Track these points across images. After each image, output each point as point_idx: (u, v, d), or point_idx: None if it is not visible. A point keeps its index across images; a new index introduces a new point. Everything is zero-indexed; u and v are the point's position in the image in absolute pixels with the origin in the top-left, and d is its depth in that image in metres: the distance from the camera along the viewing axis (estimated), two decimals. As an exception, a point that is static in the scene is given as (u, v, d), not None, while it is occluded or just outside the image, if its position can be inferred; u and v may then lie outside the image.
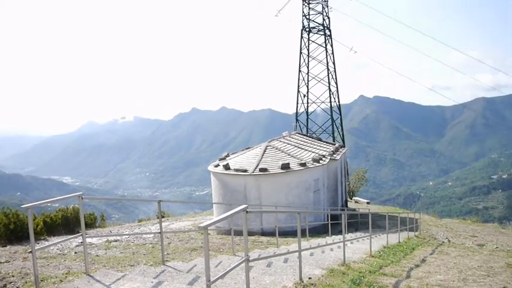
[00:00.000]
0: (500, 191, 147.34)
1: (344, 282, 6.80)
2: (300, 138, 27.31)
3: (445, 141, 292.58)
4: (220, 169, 19.94)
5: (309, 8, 44.53)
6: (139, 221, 26.05)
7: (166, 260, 8.56)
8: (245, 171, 18.86)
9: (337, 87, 44.38)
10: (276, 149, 21.61)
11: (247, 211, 4.76)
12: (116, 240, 13.69)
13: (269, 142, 23.07)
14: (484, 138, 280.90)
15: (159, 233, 7.81)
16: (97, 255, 10.08)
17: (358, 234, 17.75)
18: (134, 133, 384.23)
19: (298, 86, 44.66)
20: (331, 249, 11.21)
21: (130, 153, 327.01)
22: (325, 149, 24.49)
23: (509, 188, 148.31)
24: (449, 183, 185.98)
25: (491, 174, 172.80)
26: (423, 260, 10.61)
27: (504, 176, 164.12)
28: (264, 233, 17.90)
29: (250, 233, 17.92)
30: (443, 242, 18.11)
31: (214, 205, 20.79)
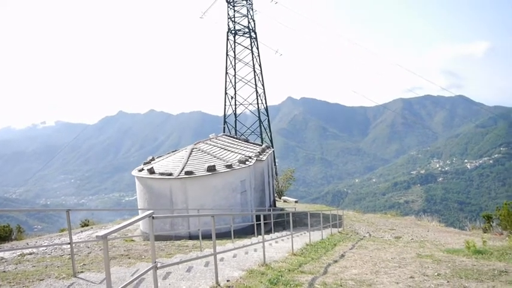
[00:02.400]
0: (419, 185, 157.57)
1: (262, 282, 6.84)
2: (227, 140, 27.33)
3: (368, 140, 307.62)
4: (144, 173, 19.41)
5: (234, 11, 44.78)
6: (61, 230, 24.68)
7: (81, 272, 8.12)
8: (170, 174, 18.50)
9: (264, 89, 45.03)
10: (202, 151, 21.43)
11: (153, 217, 4.61)
12: (31, 253, 12.83)
13: (195, 144, 22.84)
14: (403, 136, 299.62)
15: (69, 243, 7.38)
16: (4, 271, 9.35)
17: (284, 233, 18.06)
18: (56, 138, 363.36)
19: (226, 88, 44.76)
20: (255, 250, 11.28)
21: (53, 159, 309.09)
22: (251, 150, 24.69)
23: (426, 183, 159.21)
24: (374, 180, 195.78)
25: (411, 170, 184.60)
26: (342, 256, 10.99)
27: (422, 172, 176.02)
28: (191, 237, 17.68)
29: (178, 237, 17.62)
30: (364, 236, 18.93)
31: (139, 211, 20.18)
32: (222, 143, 25.60)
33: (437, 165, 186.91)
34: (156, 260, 4.80)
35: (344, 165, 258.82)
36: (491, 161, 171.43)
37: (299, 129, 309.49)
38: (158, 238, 17.15)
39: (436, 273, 8.08)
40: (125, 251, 12.43)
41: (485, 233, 21.20)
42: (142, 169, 20.36)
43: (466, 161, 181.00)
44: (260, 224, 18.18)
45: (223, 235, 17.08)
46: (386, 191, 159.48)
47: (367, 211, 47.38)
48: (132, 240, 16.34)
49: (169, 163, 20.45)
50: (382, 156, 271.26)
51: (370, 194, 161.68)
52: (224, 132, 39.25)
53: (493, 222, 22.35)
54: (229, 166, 19.24)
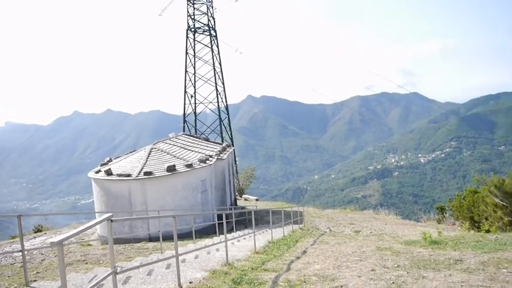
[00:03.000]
0: (375, 180, 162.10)
1: (225, 282, 6.76)
2: (187, 140, 27.00)
3: (327, 137, 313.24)
4: (102, 175, 18.83)
5: (194, 8, 44.31)
6: (12, 237, 23.57)
7: (34, 280, 7.75)
8: (129, 175, 18.05)
9: (224, 87, 44.84)
10: (162, 151, 21.05)
11: (112, 220, 4.44)
12: (-21, 263, 12.14)
13: (154, 144, 22.40)
14: (361, 133, 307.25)
15: (20, 251, 7.01)
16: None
17: (246, 231, 18.03)
18: (6, 140, 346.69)
19: (185, 86, 44.23)
20: (217, 250, 11.17)
21: (2, 162, 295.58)
22: (212, 149, 24.52)
23: (383, 177, 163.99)
24: (333, 176, 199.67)
25: (368, 166, 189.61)
26: (304, 252, 11.07)
27: (378, 167, 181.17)
28: (151, 239, 17.32)
29: (137, 240, 17.20)
30: (324, 231, 19.20)
31: (97, 214, 19.57)
32: (182, 142, 25.27)
33: (393, 160, 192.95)
34: (116, 265, 4.62)
35: (304, 162, 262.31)
36: (443, 155, 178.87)
37: (259, 127, 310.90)
38: (117, 241, 16.70)
39: (395, 265, 8.27)
40: (81, 256, 12.00)
41: (439, 223, 22.02)
42: (100, 171, 19.76)
43: (419, 155, 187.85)
44: (221, 223, 18.08)
45: (185, 235, 16.84)
46: (344, 187, 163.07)
47: (327, 207, 48.23)
48: (89, 245, 15.82)
49: (128, 164, 19.96)
50: (340, 152, 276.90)
51: (329, 190, 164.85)
52: (184, 131, 38.80)
53: (446, 213, 23.28)
54: (189, 165, 19.00)
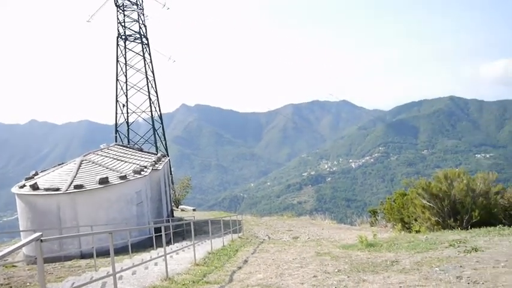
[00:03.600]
0: (310, 186, 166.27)
1: (166, 298, 6.47)
2: (120, 150, 26.03)
3: (262, 144, 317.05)
4: (27, 190, 17.57)
5: (124, 15, 43.03)
6: None
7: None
8: (57, 189, 17.00)
9: (157, 96, 43.88)
10: (93, 163, 20.08)
11: (41, 240, 4.05)
12: None
13: (85, 156, 21.32)
14: (295, 140, 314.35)
15: None
16: None
17: (184, 243, 17.61)
18: None
19: (117, 95, 42.73)
20: (156, 264, 10.75)
21: None
22: (146, 160, 23.81)
23: (317, 183, 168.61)
24: (269, 183, 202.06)
25: (302, 172, 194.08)
26: (245, 261, 10.96)
27: (312, 173, 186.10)
28: (83, 256, 16.37)
29: (68, 258, 16.18)
30: (264, 239, 19.22)
31: (22, 232, 18.19)
32: (115, 153, 24.31)
33: (326, 166, 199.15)
34: (47, 287, 4.23)
35: (240, 171, 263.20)
36: (372, 160, 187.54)
37: (194, 136, 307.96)
38: (45, 260, 15.58)
39: (336, 270, 8.39)
40: (5, 279, 11.04)
41: (372, 226, 22.88)
42: (24, 185, 18.43)
43: (350, 160, 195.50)
44: (158, 235, 17.51)
45: (120, 250, 16.11)
46: (280, 193, 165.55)
47: (264, 214, 48.50)
48: (14, 266, 14.64)
49: (56, 177, 18.80)
50: (275, 160, 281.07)
51: (266, 197, 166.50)
52: (116, 141, 37.34)
53: (378, 216, 24.23)
54: (123, 177, 18.27)
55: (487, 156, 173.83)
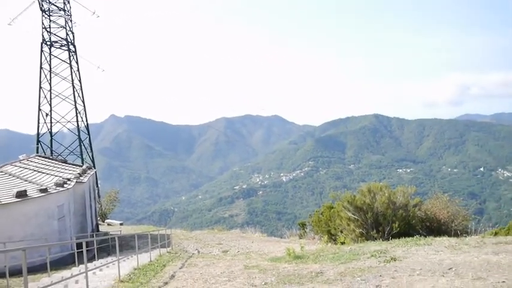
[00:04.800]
0: (241, 199, 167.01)
1: (85, 318, 6.14)
2: (42, 162, 24.57)
3: (194, 157, 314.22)
4: None
5: (50, 21, 41.00)
6: None
7: None
8: (-33, 204, 15.64)
9: (84, 105, 42.08)
10: (10, 174, 18.75)
11: None
12: None
13: (1, 167, 19.87)
14: (227, 153, 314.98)
15: None
16: None
17: (109, 259, 16.87)
18: None
19: (40, 104, 40.38)
20: (76, 282, 10.19)
21: None
22: (71, 172, 22.67)
23: (248, 196, 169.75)
24: (200, 197, 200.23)
25: (234, 185, 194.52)
26: (172, 276, 10.71)
27: (244, 186, 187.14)
28: (-4, 275, 15.12)
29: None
30: (193, 253, 18.94)
31: None
32: (36, 164, 22.90)
33: (258, 180, 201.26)
34: None
35: (170, 184, 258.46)
36: (302, 174, 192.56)
37: (123, 148, 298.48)
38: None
39: (263, 283, 8.45)
40: None
41: (301, 238, 23.38)
42: None
43: (282, 174, 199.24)
44: (81, 251, 16.64)
45: (39, 268, 15.07)
46: (212, 207, 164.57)
47: (195, 228, 47.94)
48: None
49: (-34, 190, 17.31)
50: (207, 173, 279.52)
51: (197, 211, 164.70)
52: (38, 152, 35.17)
53: (306, 228, 24.83)
54: (44, 190, 17.22)
55: (408, 171, 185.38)
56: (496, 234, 16.09)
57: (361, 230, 16.28)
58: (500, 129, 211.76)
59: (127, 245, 23.05)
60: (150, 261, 14.46)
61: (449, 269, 7.96)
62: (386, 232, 15.67)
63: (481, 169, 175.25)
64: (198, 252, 19.88)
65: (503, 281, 6.69)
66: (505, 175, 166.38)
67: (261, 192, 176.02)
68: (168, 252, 19.12)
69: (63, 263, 17.03)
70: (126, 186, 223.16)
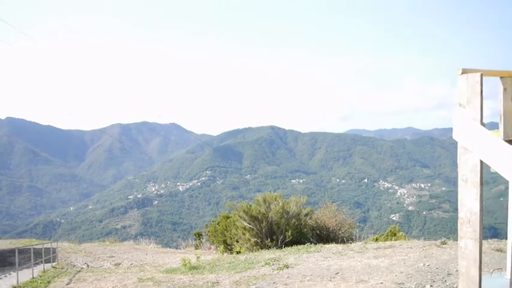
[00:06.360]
0: (136, 209, 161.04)
1: None
2: None
3: (85, 165, 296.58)
4: None
5: None
6: None
7: None
8: None
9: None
10: None
11: None
12: None
13: None
14: (121, 161, 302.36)
15: None
16: None
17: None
18: None
19: None
20: None
21: None
22: None
23: (143, 206, 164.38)
24: (90, 207, 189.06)
25: (128, 195, 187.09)
26: (58, 293, 10.02)
27: (139, 196, 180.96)
28: None
29: None
30: (82, 268, 17.83)
31: None
32: None
33: (153, 189, 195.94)
34: None
35: (57, 193, 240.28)
36: (199, 183, 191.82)
37: (3, 153, 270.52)
38: None
39: (158, 295, 8.27)
40: None
41: (197, 249, 23.25)
42: None
43: (178, 183, 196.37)
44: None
45: None
46: (103, 218, 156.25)
47: (84, 240, 45.17)
48: None
49: None
50: (99, 182, 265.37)
51: (87, 222, 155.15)
52: None
53: (203, 238, 24.78)
54: None
55: (301, 181, 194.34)
56: (376, 240, 17.56)
57: (256, 239, 16.69)
58: (382, 144, 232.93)
59: (4, 261, 20.93)
60: (33, 277, 13.36)
61: (336, 273, 8.53)
62: (280, 240, 16.26)
63: (365, 180, 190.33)
64: (88, 266, 18.78)
65: (382, 282, 7.36)
66: (385, 186, 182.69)
67: (156, 202, 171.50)
68: (53, 267, 17.79)
69: None
70: (5, 196, 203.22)
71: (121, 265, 18.11)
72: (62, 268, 17.66)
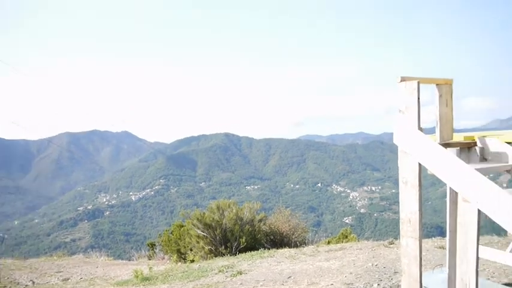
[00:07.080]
0: (86, 221, 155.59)
1: None
2: None
3: (30, 176, 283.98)
4: None
5: None
6: None
7: None
8: None
9: None
10: None
11: None
12: None
13: None
14: (70, 172, 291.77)
15: None
16: None
17: None
18: None
19: None
20: None
21: None
22: None
23: (94, 218, 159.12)
24: (37, 220, 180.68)
25: (78, 207, 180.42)
26: (1, 312, 9.52)
27: (89, 207, 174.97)
28: None
29: None
30: (26, 285, 17.02)
31: None
32: None
33: (105, 200, 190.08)
34: None
35: (0, 207, 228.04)
36: (152, 192, 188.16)
37: None
38: None
39: (108, 309, 8.04)
40: None
41: (150, 260, 22.75)
42: None
43: (131, 193, 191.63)
44: None
45: None
46: (51, 231, 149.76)
47: (30, 256, 42.89)
48: None
49: None
50: (46, 193, 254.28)
51: (33, 237, 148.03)
52: None
53: (156, 248, 24.31)
54: None
55: (255, 187, 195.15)
56: (328, 243, 17.89)
57: (210, 247, 16.59)
58: (334, 149, 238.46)
59: None
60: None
61: (288, 277, 8.64)
62: (234, 247, 16.24)
63: (319, 184, 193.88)
64: (33, 283, 17.91)
65: (332, 284, 7.54)
66: (338, 190, 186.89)
67: (108, 213, 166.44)
68: (-4, 285, 16.87)
69: None
70: None
71: (69, 280, 17.43)
72: (4, 287, 16.78)
